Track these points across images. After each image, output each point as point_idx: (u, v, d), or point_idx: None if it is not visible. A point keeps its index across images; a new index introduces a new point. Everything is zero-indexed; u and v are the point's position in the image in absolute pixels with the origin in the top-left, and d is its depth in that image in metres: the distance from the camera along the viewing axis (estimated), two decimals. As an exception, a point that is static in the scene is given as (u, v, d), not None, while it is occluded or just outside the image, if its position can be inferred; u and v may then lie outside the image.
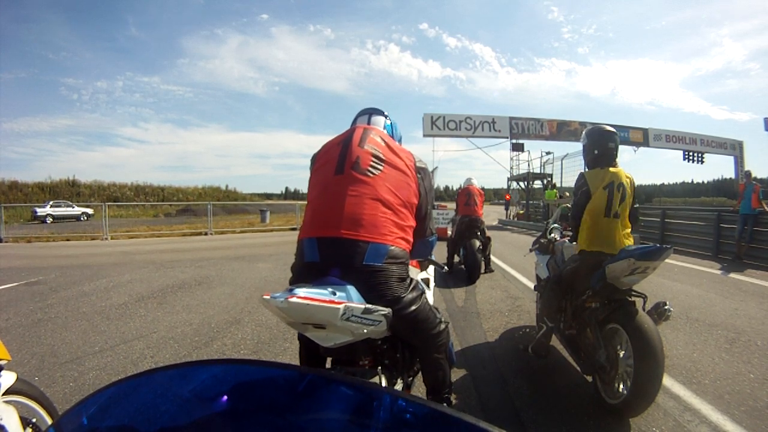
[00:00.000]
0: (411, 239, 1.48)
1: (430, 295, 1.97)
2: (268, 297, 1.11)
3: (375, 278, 1.31)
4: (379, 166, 1.43)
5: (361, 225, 1.33)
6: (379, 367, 1.42)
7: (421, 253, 1.69)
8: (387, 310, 1.28)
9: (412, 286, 1.43)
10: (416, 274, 1.86)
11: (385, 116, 1.72)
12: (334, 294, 1.19)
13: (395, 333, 1.42)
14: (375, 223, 1.35)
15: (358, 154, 1.43)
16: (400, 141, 1.72)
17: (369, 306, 1.23)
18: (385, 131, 1.64)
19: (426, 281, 2.06)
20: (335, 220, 1.34)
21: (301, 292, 1.13)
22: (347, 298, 1.21)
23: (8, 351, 1.56)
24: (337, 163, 1.44)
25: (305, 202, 1.58)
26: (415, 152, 1.59)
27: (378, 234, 1.34)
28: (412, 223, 1.49)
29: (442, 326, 1.53)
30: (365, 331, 1.23)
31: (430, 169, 1.64)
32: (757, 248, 7.71)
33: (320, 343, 1.27)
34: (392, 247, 1.35)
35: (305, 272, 1.36)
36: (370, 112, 1.71)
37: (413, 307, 1.39)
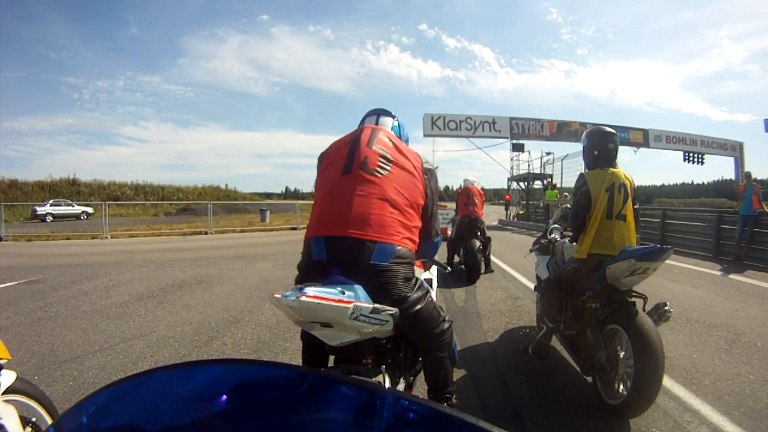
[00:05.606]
0: (417, 239, 1.48)
1: (433, 295, 1.99)
2: (278, 296, 1.11)
3: (382, 277, 1.32)
4: (386, 167, 1.43)
5: (368, 224, 1.34)
6: (383, 366, 1.43)
7: (426, 253, 1.70)
8: (394, 310, 1.30)
9: (417, 285, 1.44)
10: (420, 274, 1.87)
11: (393, 117, 1.72)
12: (343, 293, 1.20)
13: (399, 332, 1.43)
14: (382, 223, 1.35)
15: (366, 154, 1.44)
16: (407, 142, 1.73)
17: (377, 306, 1.24)
18: (393, 132, 1.65)
19: (429, 281, 2.06)
20: (343, 220, 1.35)
21: (311, 291, 1.14)
22: (356, 298, 1.22)
23: (8, 350, 1.55)
24: (345, 163, 1.44)
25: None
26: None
27: (385, 234, 1.35)
28: (418, 223, 1.50)
29: (446, 325, 1.53)
30: (371, 330, 1.25)
31: None
32: (758, 249, 7.72)
33: (326, 341, 1.28)
34: (399, 247, 1.36)
35: (312, 271, 1.37)
36: (378, 113, 1.72)
37: (418, 306, 1.40)
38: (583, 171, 2.66)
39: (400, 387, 1.55)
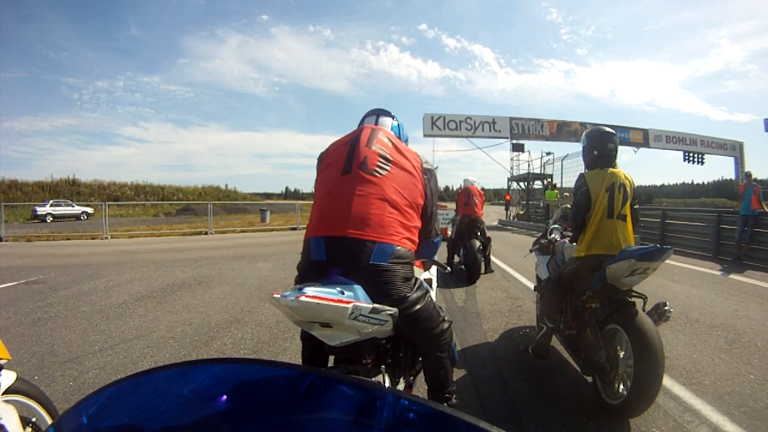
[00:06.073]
0: (416, 240, 1.48)
1: (433, 295, 1.99)
2: (278, 296, 1.11)
3: (381, 278, 1.32)
4: (386, 167, 1.44)
5: (368, 225, 1.34)
6: (383, 366, 1.43)
7: (425, 253, 1.70)
8: (394, 310, 1.30)
9: (416, 285, 1.44)
10: (419, 274, 1.88)
11: (393, 117, 1.73)
12: (343, 293, 1.21)
13: (399, 332, 1.43)
14: (382, 223, 1.36)
15: (365, 154, 1.44)
16: (406, 142, 1.73)
17: (377, 306, 1.24)
18: (393, 132, 1.65)
19: (429, 281, 2.06)
20: (342, 220, 1.35)
21: (311, 291, 1.14)
22: (355, 298, 1.22)
23: (8, 350, 1.55)
24: (345, 163, 1.45)
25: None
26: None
27: (385, 234, 1.35)
28: (418, 223, 1.50)
29: (446, 325, 1.53)
30: (371, 330, 1.25)
31: None
32: (758, 249, 7.72)
33: (326, 341, 1.29)
34: (398, 247, 1.37)
35: (312, 271, 1.38)
36: (377, 113, 1.72)
37: (418, 306, 1.40)
38: (582, 171, 2.66)
39: (400, 387, 1.55)
